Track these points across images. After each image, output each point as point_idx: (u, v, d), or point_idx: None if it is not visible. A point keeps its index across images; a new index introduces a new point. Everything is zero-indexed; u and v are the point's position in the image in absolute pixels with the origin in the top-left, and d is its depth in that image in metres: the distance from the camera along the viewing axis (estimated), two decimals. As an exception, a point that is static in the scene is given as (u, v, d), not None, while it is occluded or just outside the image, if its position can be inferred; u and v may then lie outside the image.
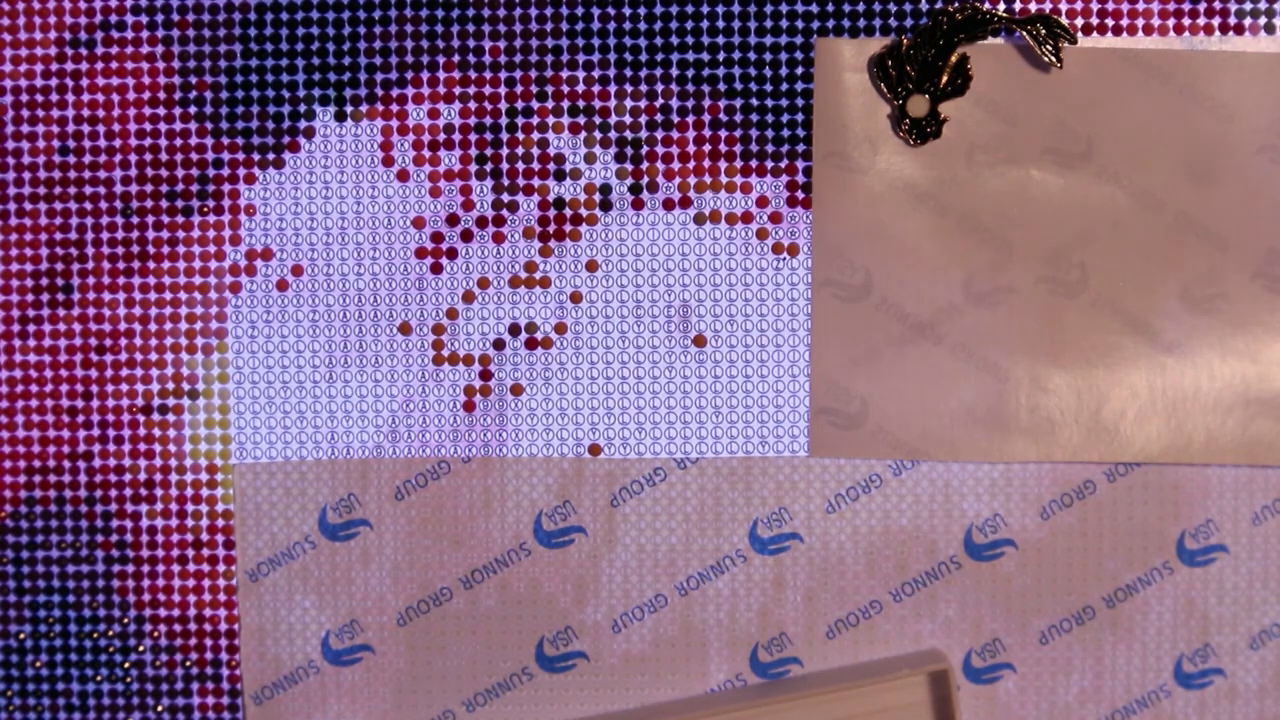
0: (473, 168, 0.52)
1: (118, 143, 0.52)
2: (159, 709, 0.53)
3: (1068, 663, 0.52)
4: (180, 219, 0.52)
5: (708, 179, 0.51)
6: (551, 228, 0.52)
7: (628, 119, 0.51)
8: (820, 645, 0.52)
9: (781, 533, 0.52)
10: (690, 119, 0.51)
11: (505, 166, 0.52)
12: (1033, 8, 0.51)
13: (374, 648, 0.52)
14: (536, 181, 0.52)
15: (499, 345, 0.52)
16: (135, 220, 0.52)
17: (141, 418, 0.52)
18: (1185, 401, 0.51)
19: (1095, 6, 0.51)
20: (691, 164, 0.51)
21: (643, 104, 0.51)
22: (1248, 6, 0.50)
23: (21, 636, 0.53)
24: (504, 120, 0.51)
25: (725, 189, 0.51)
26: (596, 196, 0.51)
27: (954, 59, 0.50)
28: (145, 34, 0.52)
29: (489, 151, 0.52)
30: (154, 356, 0.52)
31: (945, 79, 0.50)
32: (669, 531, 0.52)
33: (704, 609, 0.52)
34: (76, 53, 0.52)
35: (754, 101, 0.51)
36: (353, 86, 0.52)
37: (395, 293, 0.52)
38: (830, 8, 0.51)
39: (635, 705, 0.52)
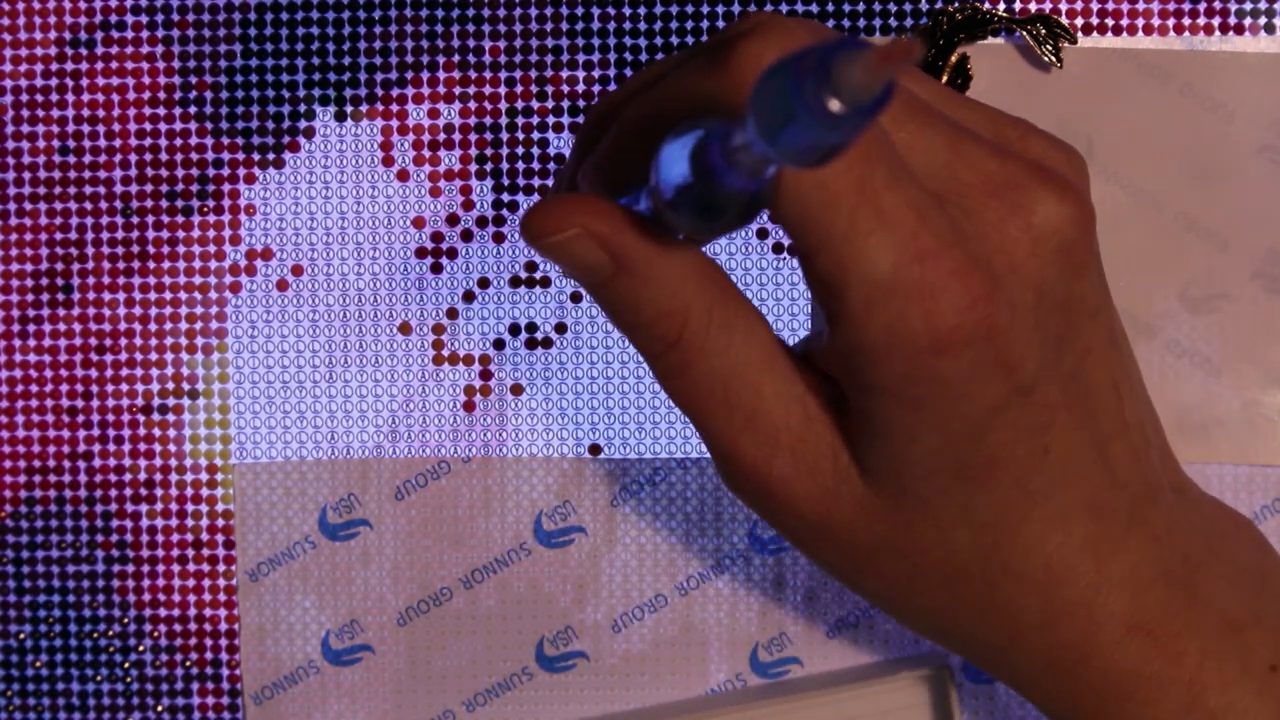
0: (473, 168, 0.52)
1: (118, 143, 0.52)
2: (159, 709, 0.53)
3: (1068, 663, 0.52)
4: (180, 219, 0.52)
5: (708, 179, 0.51)
6: (551, 228, 0.51)
7: (628, 119, 0.51)
8: (820, 645, 0.52)
9: (781, 533, 0.52)
10: (690, 119, 0.51)
11: (505, 166, 0.52)
12: (1033, 8, 0.51)
13: (374, 648, 0.52)
14: (536, 181, 0.52)
15: (499, 345, 0.52)
16: (135, 220, 0.52)
17: (141, 418, 0.52)
18: (1185, 401, 0.51)
19: (1095, 6, 0.51)
20: (691, 164, 0.51)
21: (643, 104, 0.51)
22: (1248, 6, 0.50)
23: (21, 636, 0.53)
24: (504, 120, 0.51)
25: (725, 189, 0.51)
26: (596, 196, 0.51)
27: (954, 59, 0.50)
28: (145, 34, 0.52)
29: (489, 151, 0.52)
30: (154, 356, 0.52)
31: (945, 79, 0.50)
32: (669, 531, 0.52)
33: (704, 609, 0.52)
34: (76, 53, 0.52)
35: (754, 101, 0.51)
36: (353, 86, 0.52)
37: (395, 293, 0.52)
38: (830, 8, 0.51)
39: (635, 705, 0.52)
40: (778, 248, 0.51)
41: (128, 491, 0.52)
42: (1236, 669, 0.39)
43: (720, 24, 0.51)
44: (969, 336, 0.34)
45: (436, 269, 0.52)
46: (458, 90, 0.51)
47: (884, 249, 0.33)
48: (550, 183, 0.51)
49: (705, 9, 0.51)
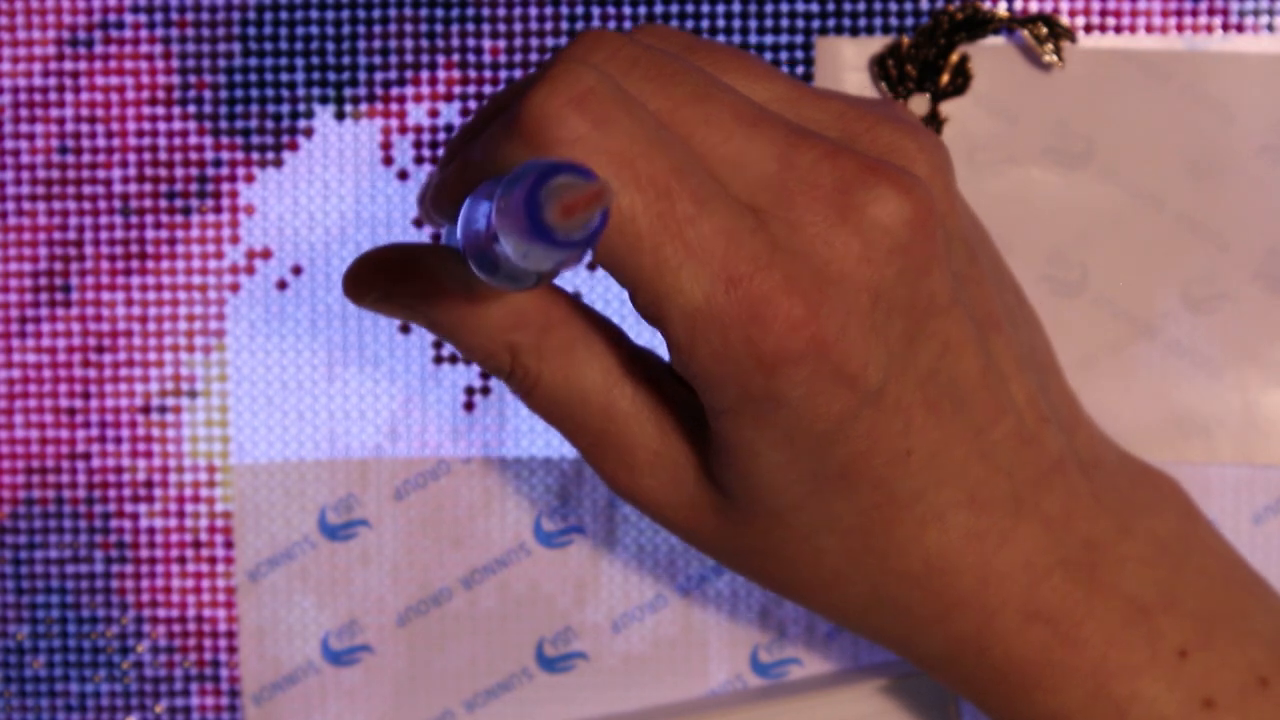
0: (472, 167, 0.51)
1: (117, 142, 0.52)
2: (158, 709, 0.53)
3: (1068, 662, 0.52)
4: (179, 219, 0.52)
5: (708, 179, 0.51)
6: (551, 227, 0.51)
7: (628, 118, 0.51)
8: (821, 645, 0.52)
9: (782, 533, 0.52)
10: (690, 118, 0.51)
11: (505, 166, 0.51)
12: (1034, 7, 0.51)
13: (374, 648, 0.52)
14: (536, 181, 0.51)
15: (499, 345, 0.52)
16: (134, 220, 0.52)
17: (140, 418, 0.52)
18: (1185, 401, 0.51)
19: (1096, 6, 0.51)
20: (692, 163, 0.51)
21: (643, 103, 0.51)
22: (1249, 5, 0.50)
23: (20, 637, 0.53)
24: (504, 120, 0.51)
25: (725, 189, 0.51)
26: (596, 196, 0.51)
27: (954, 58, 0.50)
28: (144, 33, 0.52)
29: (489, 151, 0.51)
30: (153, 356, 0.52)
31: (946, 78, 0.50)
32: (669, 532, 0.52)
33: (704, 609, 0.52)
34: (75, 52, 0.52)
35: (754, 101, 0.51)
36: (352, 86, 0.52)
37: (395, 293, 0.52)
38: (830, 7, 0.51)
39: (635, 705, 0.52)
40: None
41: (126, 492, 0.52)
42: (1144, 655, 0.39)
43: (720, 23, 0.51)
44: (796, 356, 0.33)
45: (436, 269, 0.52)
46: (458, 90, 0.51)
47: (695, 279, 0.33)
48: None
49: (705, 8, 0.51)
